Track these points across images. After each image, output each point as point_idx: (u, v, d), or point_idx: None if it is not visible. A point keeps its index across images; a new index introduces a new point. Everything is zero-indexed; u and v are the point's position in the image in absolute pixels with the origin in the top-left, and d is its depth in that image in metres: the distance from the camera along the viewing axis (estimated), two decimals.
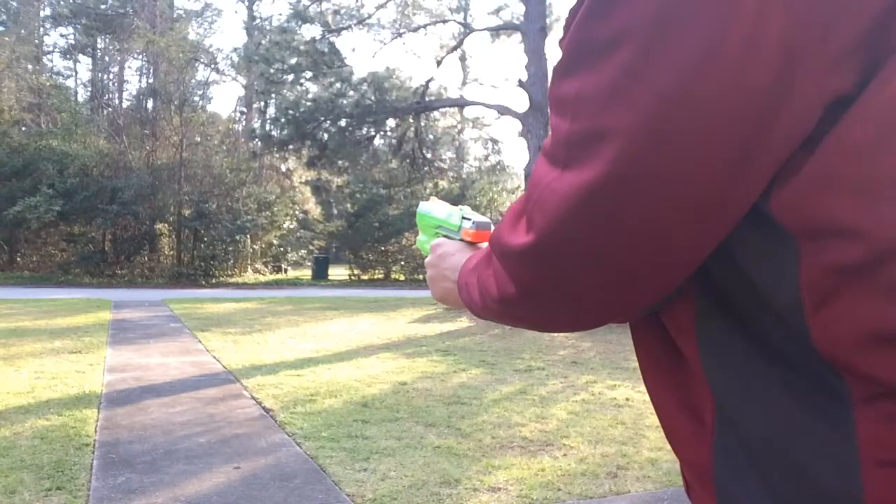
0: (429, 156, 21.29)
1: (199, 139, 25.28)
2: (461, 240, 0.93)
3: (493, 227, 0.90)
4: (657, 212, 0.54)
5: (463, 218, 0.94)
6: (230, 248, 24.15)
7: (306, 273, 27.71)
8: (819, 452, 0.53)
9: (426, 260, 0.96)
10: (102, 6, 31.06)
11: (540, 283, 0.62)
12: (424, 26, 20.32)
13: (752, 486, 0.57)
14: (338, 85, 17.14)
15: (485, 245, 0.90)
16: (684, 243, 0.56)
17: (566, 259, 0.58)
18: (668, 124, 0.51)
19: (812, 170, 0.51)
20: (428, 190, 26.03)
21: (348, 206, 27.37)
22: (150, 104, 28.02)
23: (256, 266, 26.39)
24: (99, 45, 33.07)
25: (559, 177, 0.57)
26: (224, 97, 64.11)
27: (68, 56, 34.19)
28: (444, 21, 21.55)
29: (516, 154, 72.43)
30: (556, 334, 8.81)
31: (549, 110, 0.61)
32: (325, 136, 17.39)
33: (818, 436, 0.53)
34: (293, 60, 17.39)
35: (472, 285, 0.78)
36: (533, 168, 0.63)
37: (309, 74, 17.82)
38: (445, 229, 0.97)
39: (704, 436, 0.61)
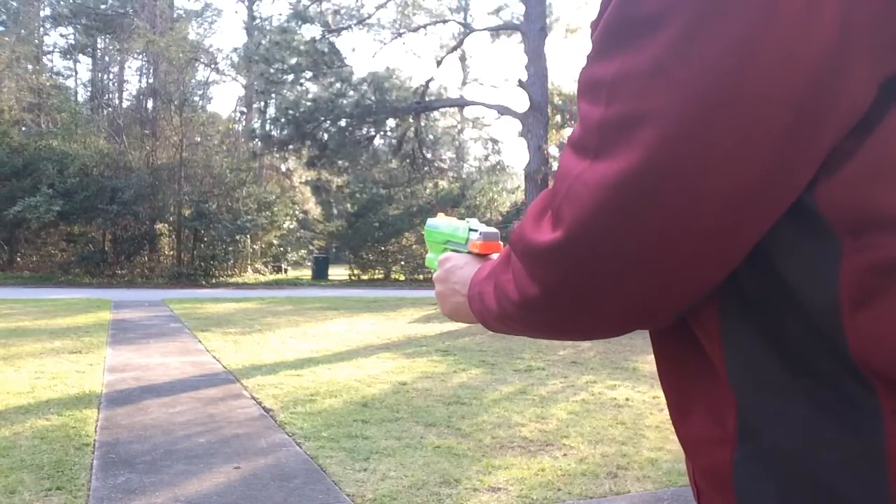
0: (429, 156, 21.32)
1: (199, 139, 25.28)
2: (469, 252, 0.91)
3: (500, 238, 0.89)
4: (698, 203, 0.50)
5: (470, 230, 0.92)
6: (230, 248, 24.15)
7: (306, 273, 27.70)
8: (845, 467, 0.50)
9: (434, 275, 0.93)
10: (102, 6, 31.07)
11: (566, 284, 0.58)
12: (424, 26, 20.36)
13: (776, 497, 0.54)
14: (338, 85, 17.17)
15: (494, 256, 0.87)
16: (726, 238, 0.51)
17: (597, 256, 0.54)
18: (716, 105, 0.48)
19: (866, 157, 0.48)
20: (428, 190, 26.05)
21: (348, 206, 27.39)
22: (150, 104, 28.05)
23: (256, 266, 26.40)
24: (99, 45, 33.09)
25: (590, 167, 0.53)
26: (224, 97, 64.23)
27: (68, 56, 34.21)
28: (444, 21, 21.60)
29: (516, 154, 72.57)
30: None
31: (577, 98, 0.57)
32: (325, 136, 17.42)
33: (845, 450, 0.50)
34: (293, 60, 17.42)
35: (486, 293, 0.73)
36: (560, 160, 0.59)
37: (309, 74, 17.85)
38: (453, 243, 0.96)
39: (725, 443, 0.57)
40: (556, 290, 0.59)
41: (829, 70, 0.47)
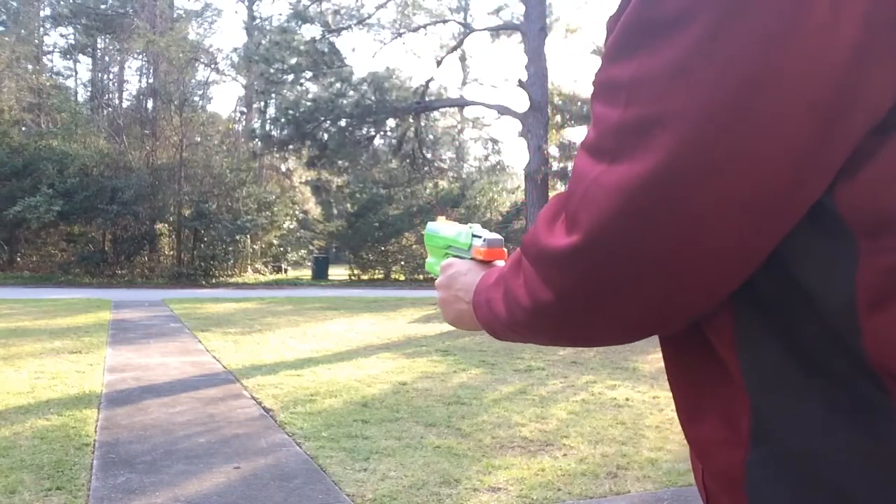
0: (429, 156, 21.32)
1: (199, 139, 25.29)
2: (472, 258, 0.90)
3: (504, 245, 0.88)
4: (717, 206, 0.49)
5: (473, 236, 0.91)
6: (230, 248, 24.15)
7: (306, 273, 27.70)
8: (858, 468, 0.50)
9: (436, 281, 0.91)
10: (102, 6, 31.07)
11: (582, 289, 0.57)
12: (424, 26, 20.38)
13: (789, 499, 0.54)
14: (338, 85, 17.17)
15: (498, 263, 0.86)
16: (744, 240, 0.51)
17: (614, 260, 0.53)
18: (738, 107, 0.47)
19: (887, 158, 0.48)
20: (428, 190, 26.05)
21: (348, 206, 27.40)
22: (150, 104, 28.06)
23: (256, 266, 26.40)
24: (99, 45, 33.09)
25: (607, 170, 0.52)
26: (224, 97, 64.13)
27: (68, 56, 34.21)
28: (444, 21, 21.61)
29: (516, 154, 72.61)
30: None
31: (592, 99, 0.56)
32: (325, 136, 17.43)
33: (858, 451, 0.50)
34: (293, 60, 17.43)
35: (494, 300, 0.72)
36: (574, 162, 0.58)
37: (309, 74, 17.86)
38: (455, 249, 0.94)
39: (738, 445, 0.57)
40: (572, 294, 0.58)
41: (851, 71, 0.47)
